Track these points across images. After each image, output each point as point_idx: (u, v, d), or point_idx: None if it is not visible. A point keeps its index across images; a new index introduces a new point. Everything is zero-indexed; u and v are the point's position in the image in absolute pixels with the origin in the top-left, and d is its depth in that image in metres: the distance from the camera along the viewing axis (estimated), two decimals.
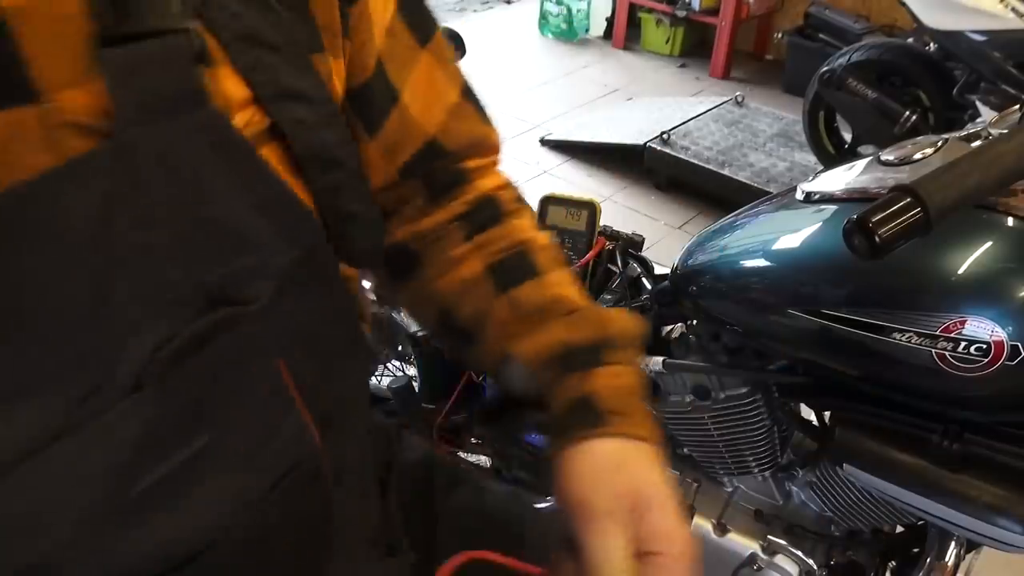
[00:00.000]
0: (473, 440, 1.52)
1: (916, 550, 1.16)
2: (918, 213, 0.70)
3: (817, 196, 1.01)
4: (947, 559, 1.09)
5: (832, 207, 0.99)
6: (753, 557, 1.20)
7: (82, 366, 0.31)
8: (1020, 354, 0.82)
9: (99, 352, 0.31)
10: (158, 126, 0.33)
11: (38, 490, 0.30)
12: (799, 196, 1.04)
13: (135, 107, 0.32)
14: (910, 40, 3.17)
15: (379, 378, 1.87)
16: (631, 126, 3.65)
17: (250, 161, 0.36)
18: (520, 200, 0.63)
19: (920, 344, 0.87)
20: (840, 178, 1.00)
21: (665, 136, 3.42)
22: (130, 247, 0.32)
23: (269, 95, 0.37)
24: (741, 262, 1.07)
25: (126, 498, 0.33)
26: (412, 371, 1.60)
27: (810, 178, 1.05)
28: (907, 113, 2.82)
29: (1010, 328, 0.82)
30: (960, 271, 0.86)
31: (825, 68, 3.03)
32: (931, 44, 3.00)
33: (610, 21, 5.06)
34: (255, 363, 0.37)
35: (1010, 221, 0.86)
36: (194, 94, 0.34)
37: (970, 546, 1.11)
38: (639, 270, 1.34)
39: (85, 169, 0.31)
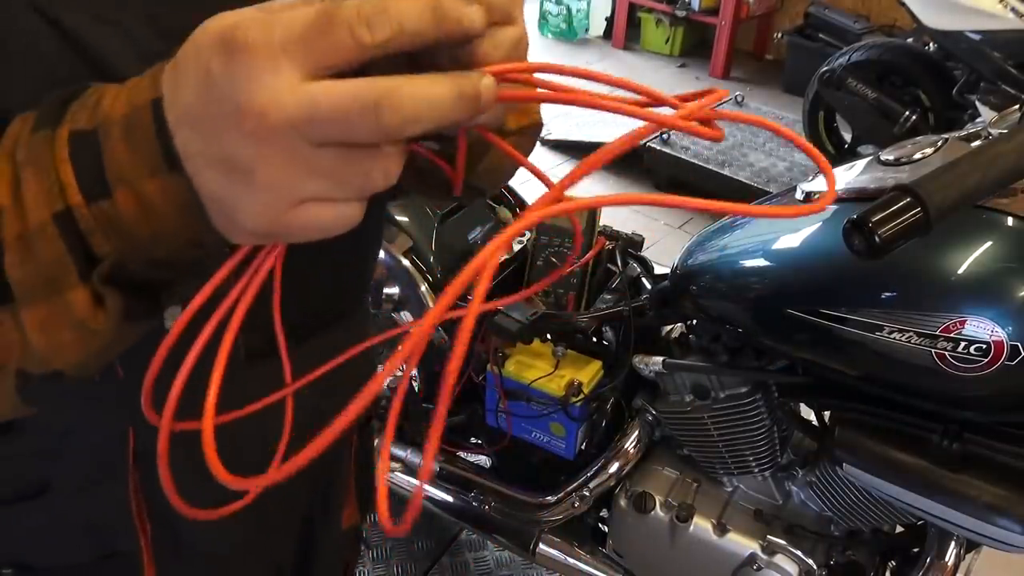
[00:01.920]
0: (473, 440, 1.52)
1: (916, 550, 1.16)
2: (918, 213, 0.70)
3: (817, 196, 1.01)
4: (947, 559, 1.09)
5: (832, 207, 0.99)
6: (753, 557, 1.20)
7: None
8: (1020, 354, 0.82)
9: None
10: None
11: None
12: (799, 196, 1.04)
13: None
14: (910, 40, 3.17)
15: None
16: (631, 126, 3.65)
17: None
18: None
19: (920, 344, 0.87)
20: (840, 178, 1.00)
21: (665, 136, 3.42)
22: None
23: None
24: (741, 262, 1.07)
25: None
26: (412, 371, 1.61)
27: (810, 178, 1.05)
28: (907, 113, 2.83)
29: (1010, 328, 0.82)
30: (960, 271, 0.86)
31: (825, 68, 3.03)
32: (931, 44, 3.00)
33: (610, 21, 5.06)
34: None
35: (1010, 221, 0.86)
36: None
37: (970, 546, 1.11)
38: (639, 270, 1.34)
39: None
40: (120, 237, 0.36)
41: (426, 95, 0.32)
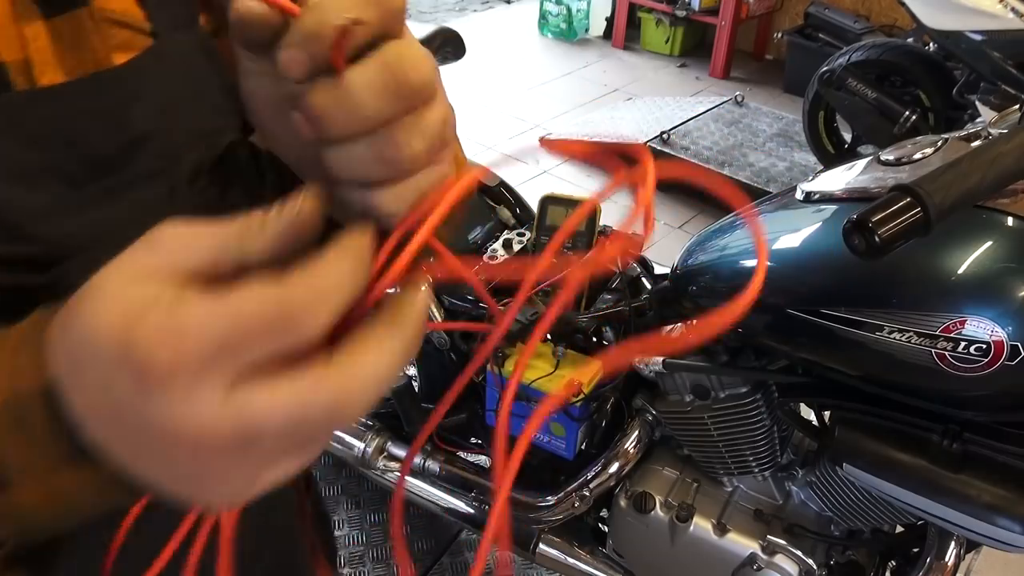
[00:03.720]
0: (473, 440, 1.52)
1: (916, 550, 1.16)
2: (918, 213, 0.71)
3: (817, 196, 1.01)
4: (947, 559, 1.09)
5: (832, 207, 0.99)
6: (753, 557, 1.20)
7: (169, 170, 0.47)
8: (1020, 354, 0.82)
9: (173, 162, 0.48)
10: (179, 35, 0.49)
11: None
12: (799, 196, 1.04)
13: (165, 22, 0.48)
14: (910, 40, 3.17)
15: None
16: (631, 126, 3.65)
17: (217, 60, 0.52)
18: None
19: (920, 344, 0.87)
20: (840, 178, 1.00)
21: (665, 136, 3.42)
22: (181, 105, 0.48)
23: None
24: (741, 262, 1.07)
25: None
26: (412, 371, 1.60)
27: (810, 178, 1.05)
28: (907, 113, 2.83)
29: (1010, 328, 0.82)
30: (960, 271, 0.86)
31: (825, 68, 3.03)
32: (931, 44, 3.00)
33: (610, 21, 5.06)
34: (237, 173, 0.55)
35: (1010, 221, 0.86)
36: (193, 17, 0.50)
37: (970, 546, 1.11)
38: (639, 270, 1.34)
39: (152, 56, 0.46)
40: (20, 522, 0.31)
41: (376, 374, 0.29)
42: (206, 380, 0.26)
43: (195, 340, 0.26)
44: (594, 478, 1.31)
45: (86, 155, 0.43)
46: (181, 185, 0.48)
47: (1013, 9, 2.44)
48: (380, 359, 0.29)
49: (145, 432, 0.27)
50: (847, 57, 3.05)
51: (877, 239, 0.71)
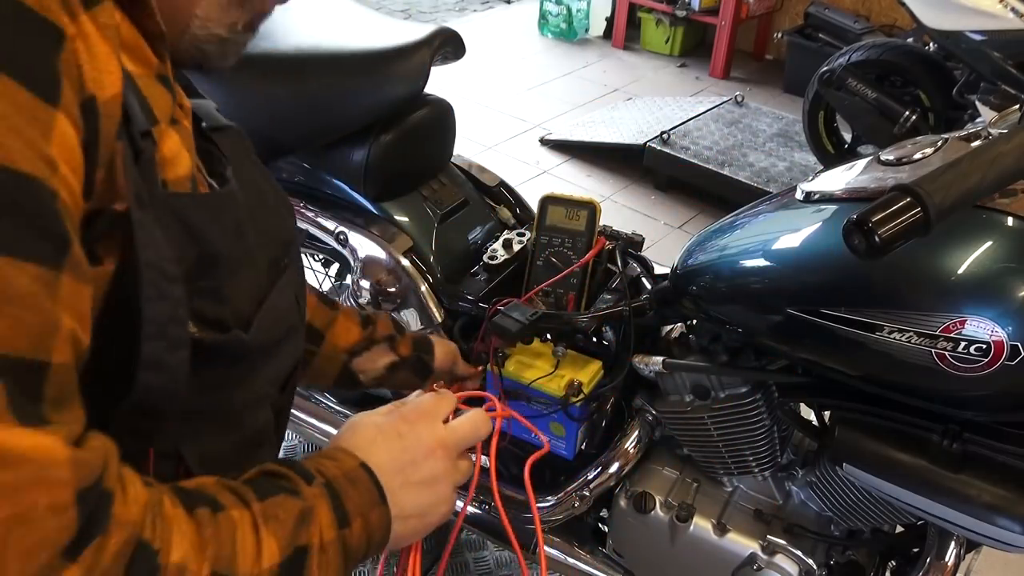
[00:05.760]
0: None
1: (916, 550, 1.16)
2: (918, 213, 0.71)
3: (817, 196, 1.01)
4: (947, 559, 1.09)
5: (832, 207, 0.99)
6: (753, 557, 1.20)
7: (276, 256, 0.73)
8: (1020, 354, 0.82)
9: (276, 251, 0.72)
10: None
11: (283, 297, 0.70)
12: (799, 196, 1.04)
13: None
14: (910, 40, 3.17)
15: None
16: (631, 126, 3.65)
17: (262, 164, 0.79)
18: None
19: (920, 344, 0.87)
20: (840, 178, 1.00)
21: (665, 136, 3.42)
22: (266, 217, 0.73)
23: None
24: (741, 262, 1.07)
25: (301, 306, 0.78)
26: None
27: (810, 178, 1.05)
28: (907, 113, 2.83)
29: (1010, 328, 0.82)
30: (960, 271, 0.86)
31: (825, 68, 3.03)
32: (931, 44, 3.00)
33: (610, 21, 5.06)
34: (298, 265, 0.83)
35: (1010, 221, 0.86)
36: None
37: (970, 546, 1.11)
38: (639, 270, 1.34)
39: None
40: (346, 554, 0.61)
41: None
42: (454, 454, 0.76)
43: (463, 438, 0.78)
44: (594, 478, 1.31)
45: (264, 243, 0.68)
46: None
47: (1013, 9, 2.43)
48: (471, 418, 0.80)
49: (418, 449, 0.72)
50: (847, 57, 3.06)
51: (877, 239, 0.71)
